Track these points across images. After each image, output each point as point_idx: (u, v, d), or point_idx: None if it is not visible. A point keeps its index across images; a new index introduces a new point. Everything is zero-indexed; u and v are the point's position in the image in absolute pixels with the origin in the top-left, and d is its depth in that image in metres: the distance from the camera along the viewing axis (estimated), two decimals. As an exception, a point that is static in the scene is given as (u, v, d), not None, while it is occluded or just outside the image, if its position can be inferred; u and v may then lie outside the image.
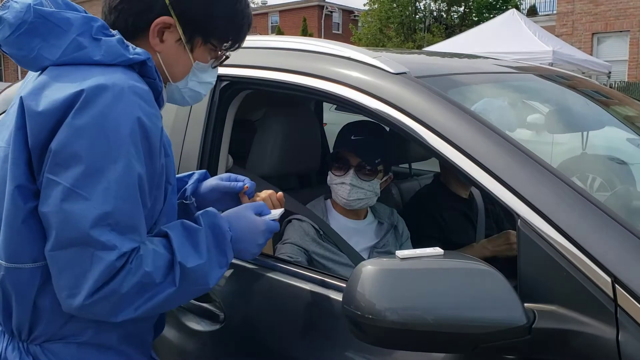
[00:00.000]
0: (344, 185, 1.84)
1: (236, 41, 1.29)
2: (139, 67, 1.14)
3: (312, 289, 1.38)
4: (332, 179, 1.88)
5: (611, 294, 0.98)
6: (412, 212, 2.26)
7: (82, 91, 1.04)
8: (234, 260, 1.29)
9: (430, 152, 1.27)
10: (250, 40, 1.79)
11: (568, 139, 2.11)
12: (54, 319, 1.13)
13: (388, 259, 1.06)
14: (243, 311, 1.49)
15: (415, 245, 2.03)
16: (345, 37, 34.91)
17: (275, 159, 1.90)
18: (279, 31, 28.56)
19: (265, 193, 1.45)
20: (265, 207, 1.30)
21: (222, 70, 1.71)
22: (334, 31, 37.76)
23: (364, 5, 28.99)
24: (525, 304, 1.04)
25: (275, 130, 1.90)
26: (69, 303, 1.04)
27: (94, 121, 1.02)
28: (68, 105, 1.03)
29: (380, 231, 1.95)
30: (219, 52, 1.28)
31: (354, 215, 1.92)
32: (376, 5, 27.63)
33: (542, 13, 22.17)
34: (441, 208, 2.19)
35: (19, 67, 25.32)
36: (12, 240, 1.09)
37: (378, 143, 1.87)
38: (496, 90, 1.62)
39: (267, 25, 38.54)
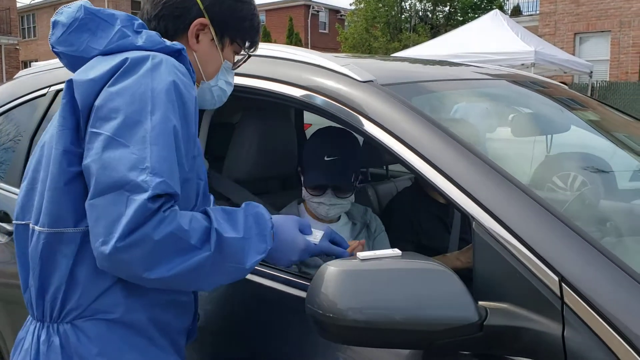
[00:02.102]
0: (323, 205, 1.84)
1: (254, 42, 1.45)
2: (175, 57, 1.24)
3: (286, 290, 1.42)
4: (308, 197, 1.87)
5: (558, 293, 1.04)
6: (389, 215, 2.31)
7: (126, 59, 1.16)
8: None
9: (394, 157, 1.32)
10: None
11: (547, 138, 2.17)
12: (89, 290, 1.16)
13: (349, 261, 1.11)
14: (219, 315, 1.53)
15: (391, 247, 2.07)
16: (331, 37, 34.97)
17: (251, 162, 1.94)
18: (265, 30, 28.51)
19: (359, 244, 1.48)
20: (309, 227, 1.32)
21: (197, 77, 1.77)
22: (320, 30, 37.81)
23: (350, 4, 29.07)
24: (480, 302, 1.10)
25: (251, 134, 1.95)
26: (102, 251, 1.03)
27: (134, 81, 1.13)
28: (114, 71, 1.15)
29: (353, 231, 2.00)
30: (241, 53, 1.45)
31: (327, 221, 1.97)
32: (362, 5, 27.72)
33: (525, 13, 22.36)
34: (418, 212, 2.23)
35: (4, 68, 25.11)
36: (54, 204, 1.15)
37: (352, 159, 1.88)
38: (461, 96, 1.68)
39: (253, 24, 38.43)
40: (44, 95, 2.32)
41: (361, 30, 27.69)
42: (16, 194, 2.20)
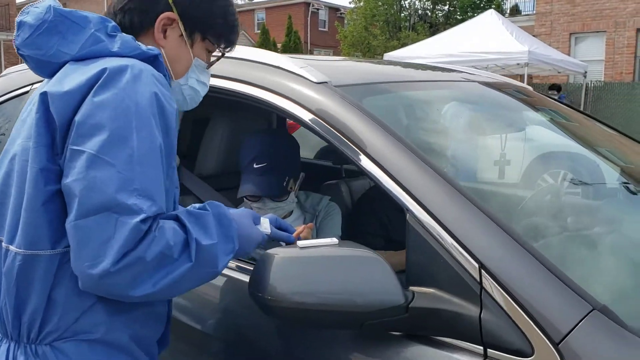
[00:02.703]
0: (261, 210, 1.83)
1: (229, 41, 1.41)
2: (151, 63, 1.20)
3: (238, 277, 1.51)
4: (248, 204, 1.88)
5: (478, 279, 1.14)
6: (359, 210, 2.40)
7: (105, 69, 1.11)
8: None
9: (342, 154, 1.42)
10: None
11: (540, 136, 2.25)
12: (69, 311, 1.12)
13: (289, 248, 1.21)
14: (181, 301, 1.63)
15: (360, 241, 2.14)
16: (331, 35, 35.04)
17: (220, 159, 2.04)
18: (264, 28, 28.59)
19: (306, 228, 1.44)
20: (259, 217, 1.33)
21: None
22: (320, 28, 37.87)
23: (350, 2, 29.14)
24: (411, 287, 1.20)
25: (220, 131, 2.04)
26: (89, 274, 1.01)
27: (116, 95, 1.08)
28: (92, 83, 1.09)
29: (304, 224, 2.07)
30: (214, 50, 1.40)
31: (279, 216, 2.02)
32: (362, 3, 27.78)
33: (524, 13, 22.44)
34: (387, 208, 2.32)
35: (3, 64, 25.20)
36: (31, 225, 1.09)
37: (284, 162, 1.87)
38: (411, 98, 1.77)
39: (253, 22, 38.56)
40: (27, 92, 2.41)
41: (360, 29, 27.77)
42: None
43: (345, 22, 30.46)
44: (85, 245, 1.02)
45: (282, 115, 1.56)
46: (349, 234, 2.20)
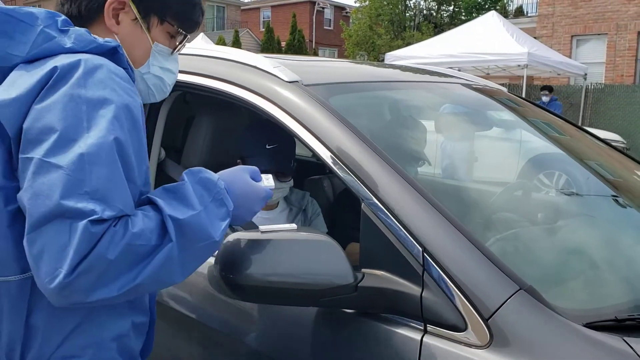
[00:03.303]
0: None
1: (192, 21, 1.30)
2: (110, 57, 1.11)
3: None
4: None
5: (421, 261, 1.26)
6: (340, 205, 2.52)
7: (55, 68, 1.01)
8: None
9: (308, 149, 1.53)
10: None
11: (532, 137, 2.36)
12: (51, 336, 1.05)
13: (251, 232, 1.32)
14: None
15: (335, 235, 2.27)
16: (336, 34, 35.14)
17: (204, 152, 2.15)
18: (268, 27, 28.71)
19: None
20: (258, 172, 1.26)
21: (154, 74, 1.98)
22: (325, 27, 37.97)
23: (355, 2, 29.23)
24: (363, 270, 1.32)
25: (206, 126, 2.16)
26: (50, 289, 0.92)
27: (64, 93, 0.98)
28: (42, 85, 1.00)
29: (290, 216, 2.21)
30: (178, 34, 1.31)
31: (266, 207, 2.16)
32: (367, 2, 27.88)
33: (530, 14, 22.48)
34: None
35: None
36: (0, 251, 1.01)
37: (290, 147, 2.04)
38: (376, 97, 1.89)
39: (258, 20, 38.68)
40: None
41: (365, 28, 27.87)
42: None
43: (350, 21, 30.54)
44: (41, 259, 0.93)
45: (256, 112, 1.67)
46: (330, 227, 2.33)
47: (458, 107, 2.26)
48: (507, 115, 2.20)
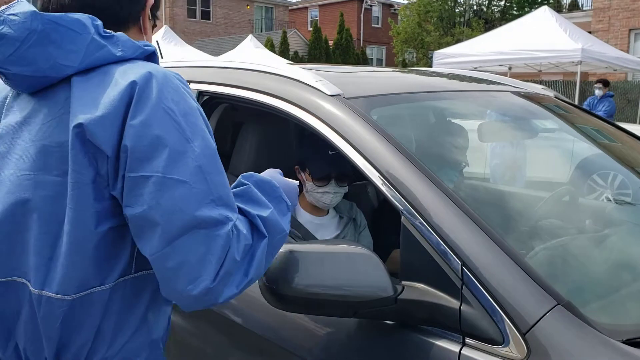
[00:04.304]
0: (328, 194, 2.12)
1: (156, 16, 1.33)
2: (151, 61, 1.14)
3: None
4: (313, 188, 2.13)
5: (460, 275, 1.28)
6: (384, 211, 2.56)
7: (134, 83, 1.02)
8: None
9: (349, 162, 1.57)
10: (225, 61, 2.13)
11: (581, 144, 2.35)
12: (116, 339, 1.10)
13: (294, 244, 1.37)
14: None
15: (379, 242, 2.31)
16: (384, 31, 34.98)
17: (252, 161, 2.22)
18: (316, 26, 28.81)
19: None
20: (280, 172, 1.39)
21: (203, 87, 2.06)
22: (373, 25, 37.84)
23: (403, -2, 29.06)
24: (402, 282, 1.35)
25: (252, 136, 2.23)
26: (193, 295, 0.99)
27: (155, 108, 1.01)
28: (127, 101, 1.01)
29: (340, 224, 2.26)
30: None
31: (317, 212, 2.23)
32: (415, -1, 27.68)
33: (585, 8, 21.85)
34: None
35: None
36: (80, 270, 1.04)
37: None
38: (420, 109, 1.91)
39: (306, 20, 38.88)
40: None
41: (414, 25, 27.67)
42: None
43: (399, 18, 30.34)
44: (181, 269, 0.99)
45: (299, 125, 1.72)
46: (373, 232, 2.36)
47: (503, 115, 2.25)
48: (554, 122, 2.18)
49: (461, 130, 2.03)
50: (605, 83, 10.19)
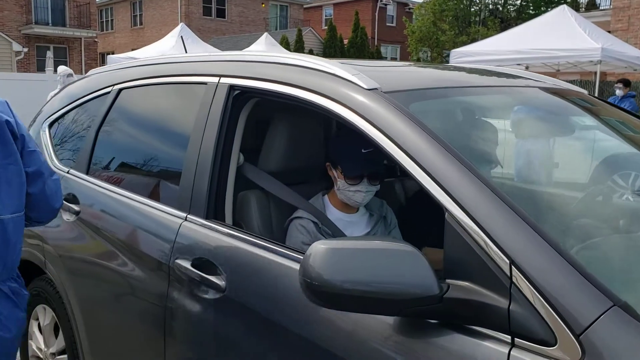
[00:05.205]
0: (360, 193, 2.09)
1: None
2: None
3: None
4: (345, 186, 2.10)
5: (508, 273, 1.24)
6: (413, 208, 2.52)
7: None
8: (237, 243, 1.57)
9: (388, 157, 1.53)
10: (257, 55, 2.10)
11: (606, 137, 2.30)
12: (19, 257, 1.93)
13: (335, 240, 1.34)
14: (243, 284, 1.79)
15: (408, 239, 2.27)
16: (399, 30, 34.85)
17: (282, 157, 2.19)
18: (330, 25, 28.75)
19: None
20: None
21: (233, 81, 2.03)
22: (387, 24, 37.73)
23: (418, -3, 28.91)
24: (447, 280, 1.31)
25: (282, 131, 2.19)
26: (58, 207, 2.03)
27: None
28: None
29: (370, 222, 2.22)
30: None
31: (348, 210, 2.19)
32: (431, -2, 27.54)
33: (602, 8, 21.61)
34: (436, 208, 2.41)
35: (84, 59, 26.56)
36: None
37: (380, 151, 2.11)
38: (458, 102, 1.87)
39: (321, 18, 38.83)
40: (108, 92, 2.65)
41: (429, 24, 27.53)
42: (83, 179, 2.54)
43: (414, 17, 30.21)
44: (55, 194, 2.01)
45: (335, 119, 1.68)
46: (402, 229, 2.32)
47: (535, 109, 2.20)
48: (589, 119, 2.13)
49: (492, 128, 1.99)
50: (626, 83, 10.03)
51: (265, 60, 2.02)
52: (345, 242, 1.33)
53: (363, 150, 2.03)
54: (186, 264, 1.88)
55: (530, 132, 2.03)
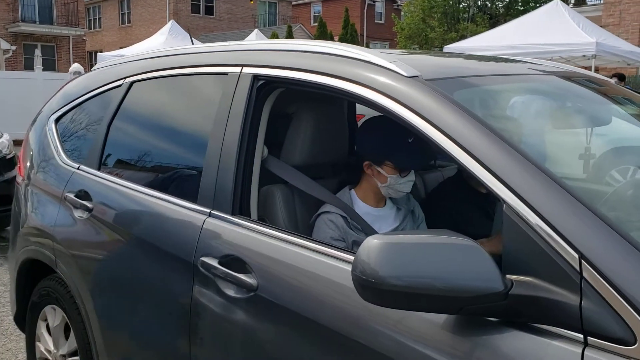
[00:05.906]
0: (410, 182, 2.03)
1: None
2: None
3: (337, 265, 1.57)
4: (397, 180, 2.01)
5: (578, 268, 1.17)
6: (431, 203, 2.44)
7: None
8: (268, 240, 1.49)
9: (435, 147, 1.46)
10: (283, 43, 2.01)
11: (606, 131, 2.25)
12: None
13: (389, 234, 1.26)
14: (277, 282, 1.71)
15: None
16: (387, 27, 34.83)
17: (306, 150, 2.10)
18: (321, 22, 28.65)
19: None
20: None
21: (258, 70, 1.94)
22: (376, 21, 37.69)
23: (407, -6, 28.87)
24: (507, 275, 1.24)
25: (306, 123, 2.11)
26: None
27: None
28: None
29: (398, 216, 2.15)
30: None
31: (376, 203, 2.12)
32: (419, -6, 27.49)
33: (590, 3, 21.70)
34: (458, 202, 2.34)
35: (72, 58, 26.26)
36: None
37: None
38: (505, 91, 1.79)
39: (309, 15, 38.70)
40: (119, 85, 2.55)
41: (417, 21, 27.48)
42: (95, 175, 2.45)
43: (402, 14, 30.18)
44: None
45: (373, 109, 1.60)
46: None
47: (582, 100, 2.12)
48: (630, 108, 2.07)
49: (546, 122, 1.92)
50: (621, 77, 10.05)
51: (293, 49, 1.93)
52: (401, 237, 1.25)
53: (409, 140, 1.96)
54: (213, 262, 1.80)
55: (564, 121, 1.97)
